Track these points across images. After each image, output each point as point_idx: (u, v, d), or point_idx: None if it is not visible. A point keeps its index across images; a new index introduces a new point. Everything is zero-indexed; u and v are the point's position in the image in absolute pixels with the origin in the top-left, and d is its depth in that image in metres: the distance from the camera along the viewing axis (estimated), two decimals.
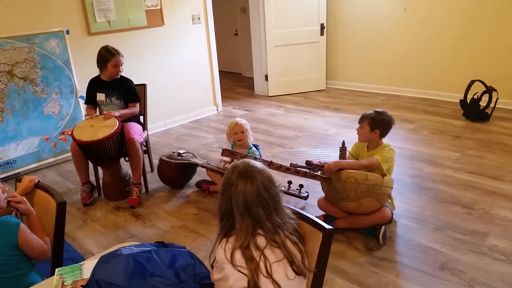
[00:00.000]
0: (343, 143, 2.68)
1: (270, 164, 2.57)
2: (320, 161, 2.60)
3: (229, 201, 1.34)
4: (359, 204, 2.48)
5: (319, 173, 2.63)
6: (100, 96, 3.29)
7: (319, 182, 2.68)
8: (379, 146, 2.63)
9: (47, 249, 1.77)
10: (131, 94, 3.35)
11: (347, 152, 2.69)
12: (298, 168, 2.60)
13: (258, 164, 1.39)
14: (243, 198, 1.31)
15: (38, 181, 1.93)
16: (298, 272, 1.32)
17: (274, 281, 1.28)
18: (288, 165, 2.65)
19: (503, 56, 4.70)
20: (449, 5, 4.95)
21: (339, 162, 2.52)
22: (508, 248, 2.38)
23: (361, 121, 2.63)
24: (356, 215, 2.59)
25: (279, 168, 2.58)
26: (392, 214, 2.62)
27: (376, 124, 2.56)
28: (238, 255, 1.30)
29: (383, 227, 2.52)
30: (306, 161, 2.60)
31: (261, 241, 1.32)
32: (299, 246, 1.36)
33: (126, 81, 3.34)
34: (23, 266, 1.72)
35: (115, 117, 3.10)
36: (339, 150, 2.68)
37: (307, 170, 2.60)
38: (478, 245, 2.43)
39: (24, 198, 1.82)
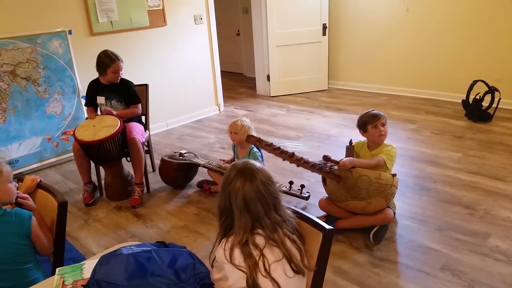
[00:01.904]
0: (351, 141, 2.67)
1: (291, 155, 2.46)
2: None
3: (228, 198, 1.36)
4: (368, 203, 2.47)
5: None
6: (100, 99, 3.29)
7: (321, 182, 2.67)
8: (381, 144, 2.63)
9: (52, 244, 1.83)
10: (131, 96, 3.34)
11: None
12: (315, 162, 2.52)
13: (257, 164, 1.41)
14: (242, 194, 1.33)
15: (40, 181, 1.96)
16: (297, 271, 1.33)
17: (273, 280, 1.28)
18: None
19: (506, 56, 4.68)
20: (451, 5, 4.94)
21: (353, 160, 2.51)
22: (510, 249, 2.37)
23: (377, 119, 2.57)
24: (358, 215, 2.58)
25: (299, 160, 2.47)
26: (394, 214, 2.63)
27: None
28: (236, 253, 1.30)
29: (377, 227, 2.53)
30: (324, 156, 2.52)
31: (260, 240, 1.33)
32: (298, 245, 1.36)
33: (126, 84, 3.33)
34: (30, 260, 1.78)
35: (114, 115, 3.12)
36: (346, 149, 2.66)
37: (323, 165, 2.54)
38: (480, 245, 2.43)
39: (28, 195, 1.87)
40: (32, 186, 1.92)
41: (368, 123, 2.60)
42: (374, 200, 2.46)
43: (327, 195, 2.73)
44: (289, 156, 2.45)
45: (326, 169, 2.54)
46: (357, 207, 2.53)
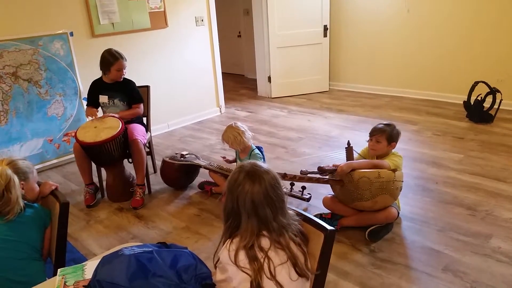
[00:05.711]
0: (349, 143, 2.68)
1: (284, 176, 2.61)
2: (330, 165, 2.59)
3: (236, 201, 1.34)
4: (374, 202, 2.50)
5: (329, 177, 2.62)
6: (103, 98, 3.30)
7: (320, 185, 2.68)
8: (388, 154, 2.64)
9: (47, 251, 1.90)
10: (134, 95, 3.35)
11: (355, 153, 2.69)
12: (310, 176, 2.62)
13: (264, 165, 1.40)
14: (251, 198, 1.32)
15: (56, 188, 1.97)
16: (301, 274, 1.32)
17: (278, 283, 1.28)
18: (296, 172, 2.69)
19: (507, 57, 4.68)
20: (452, 6, 4.94)
21: (350, 163, 2.53)
22: None
23: (375, 134, 2.59)
24: (362, 213, 2.60)
25: (293, 178, 2.64)
26: (398, 213, 2.64)
27: (393, 138, 2.60)
28: (242, 256, 1.30)
29: (375, 226, 2.54)
30: (318, 167, 2.58)
31: (265, 242, 1.32)
32: (302, 248, 1.36)
33: (128, 83, 3.34)
34: (39, 257, 1.82)
35: (117, 117, 3.12)
36: (345, 151, 2.67)
37: (320, 176, 2.60)
38: (481, 246, 2.42)
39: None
40: (47, 191, 1.95)
41: (370, 134, 2.66)
42: (379, 198, 2.48)
43: (330, 194, 2.76)
44: (282, 177, 2.57)
45: (324, 179, 2.60)
46: (364, 206, 2.56)
